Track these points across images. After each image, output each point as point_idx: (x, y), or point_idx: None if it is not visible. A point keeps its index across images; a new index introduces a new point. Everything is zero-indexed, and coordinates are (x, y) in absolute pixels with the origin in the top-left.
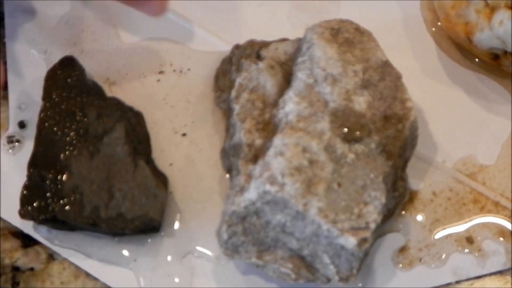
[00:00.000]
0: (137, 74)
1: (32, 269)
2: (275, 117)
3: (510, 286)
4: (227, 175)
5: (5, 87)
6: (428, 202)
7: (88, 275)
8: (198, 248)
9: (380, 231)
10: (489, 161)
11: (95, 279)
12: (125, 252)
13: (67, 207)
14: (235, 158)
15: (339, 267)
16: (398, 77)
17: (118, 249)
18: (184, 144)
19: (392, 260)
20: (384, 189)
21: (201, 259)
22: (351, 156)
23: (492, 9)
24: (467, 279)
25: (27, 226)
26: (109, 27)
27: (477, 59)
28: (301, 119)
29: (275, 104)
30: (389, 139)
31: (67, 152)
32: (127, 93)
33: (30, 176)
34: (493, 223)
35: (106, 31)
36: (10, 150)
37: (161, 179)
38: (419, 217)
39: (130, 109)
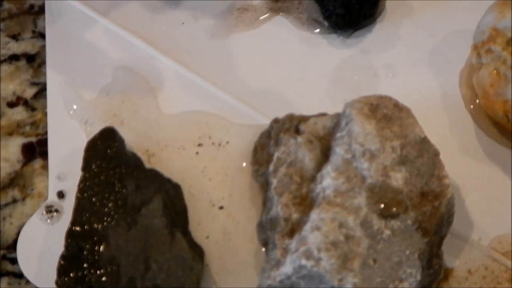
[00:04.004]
0: (176, 146)
1: None
2: (313, 192)
3: None
4: (263, 249)
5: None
6: (462, 280)
7: None
8: None
9: None
10: None
11: None
12: None
13: (103, 278)
14: (271, 232)
15: None
16: (436, 154)
17: None
18: (221, 217)
19: None
20: (419, 266)
21: None
22: (387, 232)
23: None
24: None
25: None
26: (150, 98)
27: None
28: (338, 194)
29: (312, 179)
30: (426, 216)
31: (105, 223)
32: (165, 165)
33: (67, 247)
34: None
35: (146, 103)
36: (49, 220)
37: (198, 252)
38: None
39: (168, 181)
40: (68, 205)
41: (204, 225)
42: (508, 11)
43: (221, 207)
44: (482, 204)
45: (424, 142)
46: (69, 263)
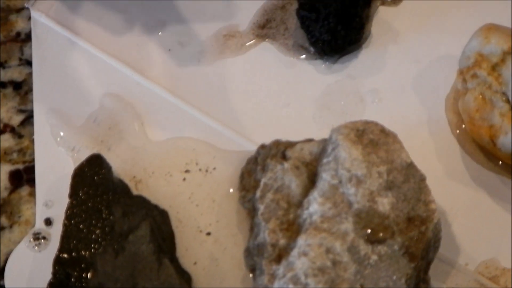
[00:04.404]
0: (163, 172)
1: None
2: (300, 218)
3: None
4: (251, 275)
5: None
6: None
7: None
8: None
9: None
10: None
11: None
12: None
13: None
14: (258, 258)
15: None
16: (422, 179)
17: None
18: (209, 243)
19: None
20: None
21: None
22: (374, 257)
23: None
24: None
25: None
26: (136, 125)
27: (500, 162)
28: (325, 220)
29: (299, 205)
30: (412, 241)
31: (92, 250)
32: (153, 191)
33: (55, 274)
34: None
35: (133, 129)
36: (36, 247)
37: (185, 278)
38: None
39: (155, 208)
40: (56, 232)
41: (192, 251)
42: (493, 36)
43: (208, 233)
44: (468, 229)
45: (410, 167)
46: None
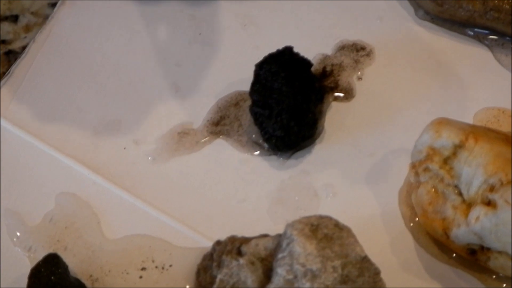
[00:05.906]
0: (119, 270)
1: None
2: None
3: None
4: None
5: None
6: None
7: None
8: None
9: None
10: None
11: None
12: None
13: None
14: None
15: None
16: (376, 272)
17: None
18: None
19: None
20: None
21: None
22: None
23: (469, 206)
24: None
25: None
26: (93, 223)
27: (454, 254)
28: None
29: None
30: None
31: None
32: None
33: None
34: None
35: (89, 228)
36: None
37: None
38: None
39: None
40: None
41: None
42: (444, 130)
43: None
44: None
45: (365, 261)
46: None
